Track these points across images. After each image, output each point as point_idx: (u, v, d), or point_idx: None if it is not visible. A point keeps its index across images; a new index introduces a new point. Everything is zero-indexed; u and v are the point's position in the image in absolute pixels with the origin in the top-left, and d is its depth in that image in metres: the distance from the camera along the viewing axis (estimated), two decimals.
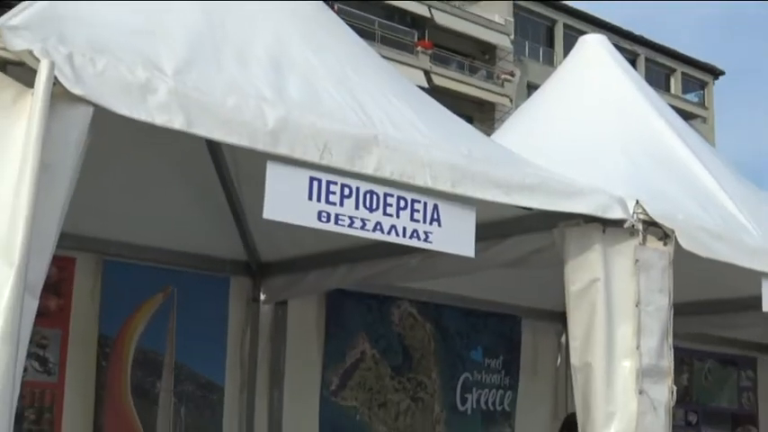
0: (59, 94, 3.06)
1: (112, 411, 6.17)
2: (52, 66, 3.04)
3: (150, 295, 6.40)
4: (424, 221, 4.06)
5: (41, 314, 5.74)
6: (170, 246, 6.41)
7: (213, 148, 5.99)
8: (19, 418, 5.74)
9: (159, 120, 3.36)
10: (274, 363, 6.99)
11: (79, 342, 6.11)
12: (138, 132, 3.57)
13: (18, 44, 3.08)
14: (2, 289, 2.83)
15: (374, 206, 3.90)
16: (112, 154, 4.85)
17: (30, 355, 5.89)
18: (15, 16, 3.61)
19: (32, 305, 2.97)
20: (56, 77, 3.05)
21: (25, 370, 5.83)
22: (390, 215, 3.95)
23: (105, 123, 3.27)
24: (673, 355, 4.92)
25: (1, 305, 2.83)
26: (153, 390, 6.37)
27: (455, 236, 4.18)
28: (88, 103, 3.15)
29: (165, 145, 5.09)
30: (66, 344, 6.05)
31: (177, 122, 3.39)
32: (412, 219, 4.02)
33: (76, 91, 3.11)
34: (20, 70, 3.08)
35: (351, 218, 3.84)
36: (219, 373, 6.69)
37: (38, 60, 3.02)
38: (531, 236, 5.01)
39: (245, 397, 6.82)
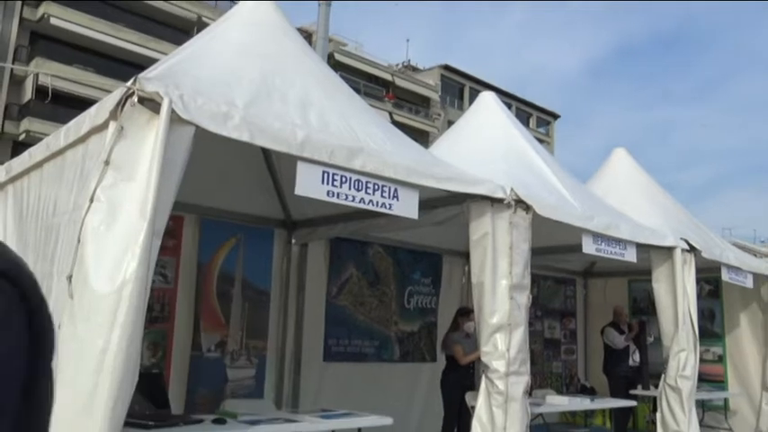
0: (175, 119, 3.03)
1: (205, 306, 6.13)
2: (170, 101, 2.98)
3: (227, 239, 6.33)
4: (389, 197, 4.04)
5: (164, 248, 5.70)
6: (240, 210, 6.36)
7: (266, 153, 5.93)
8: (150, 307, 5.69)
9: (234, 135, 3.32)
10: (300, 279, 6.96)
11: (186, 266, 6.05)
12: (223, 144, 3.49)
13: (150, 87, 3.02)
14: (139, 233, 2.79)
15: (360, 188, 3.88)
16: (208, 157, 4.78)
17: (157, 273, 5.82)
18: (150, 72, 3.54)
19: (156, 244, 2.92)
20: (173, 108, 2.98)
21: (154, 281, 5.81)
22: (369, 194, 3.93)
23: (204, 138, 3.21)
24: (530, 277, 4.94)
25: (138, 243, 2.78)
26: (229, 294, 6.31)
27: (406, 206, 4.16)
28: (192, 124, 3.10)
29: (238, 151, 5.02)
30: (178, 266, 6.00)
31: (245, 137, 3.36)
32: (382, 196, 4.01)
33: (185, 117, 3.06)
34: (152, 104, 3.01)
35: (346, 194, 3.83)
36: (268, 285, 6.64)
37: (162, 98, 2.98)
38: (450, 207, 5.00)
39: (282, 299, 6.79)
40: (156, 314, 5.80)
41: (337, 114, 4.23)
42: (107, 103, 3.15)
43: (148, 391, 4.06)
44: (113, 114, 3.04)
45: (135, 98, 3.00)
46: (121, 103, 3.02)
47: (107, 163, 2.94)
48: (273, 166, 6.21)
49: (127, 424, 3.06)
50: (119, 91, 3.08)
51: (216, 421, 3.74)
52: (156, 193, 2.85)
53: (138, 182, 2.89)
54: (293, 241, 6.87)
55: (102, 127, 3.17)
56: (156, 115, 2.99)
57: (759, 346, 8.32)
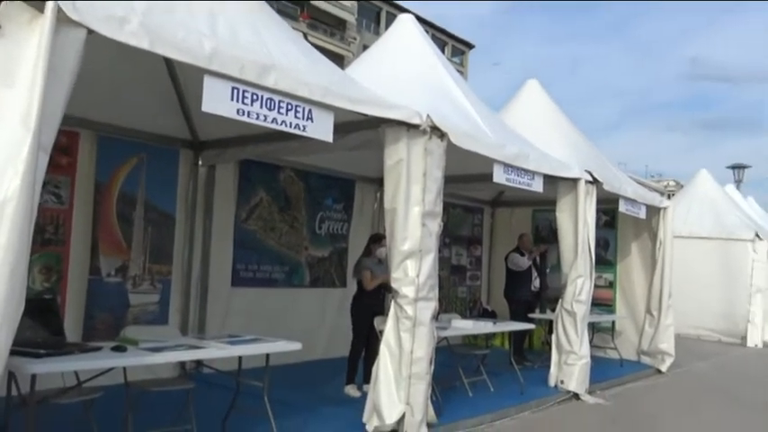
0: (62, 19, 2.70)
1: (104, 229, 5.79)
2: None
3: (128, 159, 5.95)
4: (303, 118, 3.87)
5: (57, 166, 5.36)
6: (142, 128, 5.98)
7: (170, 66, 5.52)
8: (41, 229, 5.32)
9: (132, 42, 3.02)
10: (207, 203, 6.72)
11: (82, 185, 5.66)
12: (122, 53, 3.16)
13: None
14: (21, 146, 2.50)
15: (272, 107, 3.68)
16: (106, 68, 4.38)
17: (49, 192, 5.44)
18: None
19: (44, 159, 2.63)
20: (59, 6, 2.64)
21: (46, 201, 5.40)
22: (282, 113, 3.75)
23: (100, 45, 2.87)
24: (442, 204, 4.95)
25: (21, 157, 2.50)
26: (130, 217, 5.99)
27: (321, 128, 4.00)
28: (82, 26, 2.77)
29: (141, 63, 4.62)
30: (73, 186, 5.60)
31: (144, 44, 3.06)
32: (295, 116, 3.83)
33: (74, 17, 2.73)
34: (35, 2, 2.66)
35: (257, 114, 3.63)
36: (173, 208, 6.35)
37: None
38: (365, 131, 4.86)
39: (188, 223, 6.54)
40: (50, 236, 5.43)
41: (249, 27, 3.93)
42: None
43: (41, 317, 3.80)
44: None
45: None
46: None
47: None
48: (178, 82, 5.81)
49: (16, 353, 2.85)
50: None
51: (115, 348, 3.56)
52: (42, 103, 2.54)
53: (19, 88, 2.56)
54: (200, 163, 6.55)
55: None
56: (39, 14, 2.64)
57: (646, 273, 8.92)
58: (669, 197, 14.99)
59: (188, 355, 4.02)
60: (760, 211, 16.51)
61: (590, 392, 6.94)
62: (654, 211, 8.61)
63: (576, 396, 6.81)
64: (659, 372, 8.71)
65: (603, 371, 7.79)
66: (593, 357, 7.15)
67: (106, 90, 5.07)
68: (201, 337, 4.73)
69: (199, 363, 5.67)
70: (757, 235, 12.88)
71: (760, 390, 8.35)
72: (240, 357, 4.25)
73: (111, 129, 5.73)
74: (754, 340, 12.61)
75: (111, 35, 2.88)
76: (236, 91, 3.48)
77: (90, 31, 2.79)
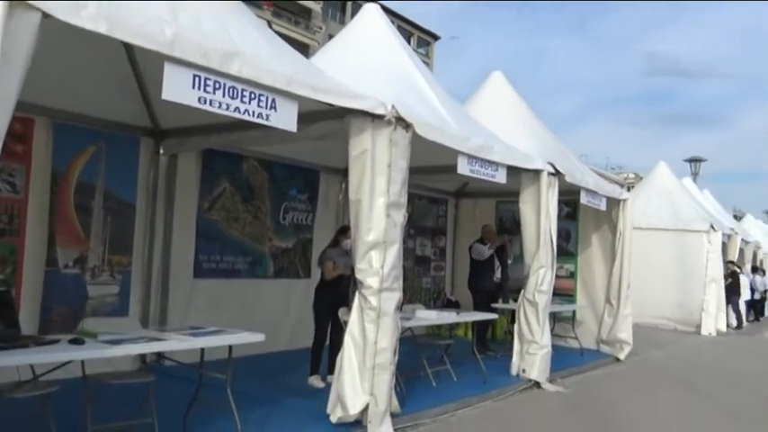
0: (16, 3, 2.60)
1: (61, 219, 5.64)
2: None
3: (85, 147, 5.79)
4: (266, 107, 3.83)
5: (11, 154, 5.20)
6: (101, 116, 5.83)
7: (129, 51, 5.39)
8: None
9: (89, 26, 2.94)
10: (168, 192, 6.60)
11: (38, 174, 5.51)
12: (79, 38, 3.06)
13: None
14: None
15: (235, 95, 3.63)
16: (63, 53, 4.27)
17: (3, 181, 5.28)
18: None
19: None
20: None
21: (0, 191, 5.23)
22: (245, 102, 3.70)
23: (57, 29, 2.78)
24: (406, 195, 4.95)
25: None
26: (89, 206, 5.85)
27: (285, 118, 3.96)
28: (37, 9, 2.67)
29: (100, 48, 4.51)
30: (29, 174, 5.45)
31: (102, 29, 2.98)
32: (258, 105, 3.79)
33: (28, 0, 2.61)
34: None
35: (219, 102, 3.58)
36: (133, 197, 6.22)
37: None
38: (330, 121, 4.83)
39: (149, 213, 6.42)
40: (4, 227, 5.28)
41: (211, 17, 3.86)
42: None
43: None
44: None
45: None
46: None
47: None
48: (138, 68, 5.68)
49: None
50: None
51: (73, 341, 3.47)
52: None
53: None
54: (161, 152, 6.43)
55: None
56: None
57: (606, 263, 9.10)
58: (629, 189, 15.34)
59: (149, 348, 3.95)
60: (715, 203, 17.00)
61: (551, 381, 7.06)
62: (614, 203, 8.77)
63: (538, 384, 6.92)
64: (617, 360, 8.92)
65: (564, 359, 7.93)
66: (554, 346, 7.27)
67: (63, 76, 4.94)
68: (163, 329, 4.66)
69: (160, 355, 5.56)
70: (712, 226, 13.25)
71: (713, 376, 8.62)
72: (202, 349, 4.19)
73: (68, 116, 5.58)
74: (707, 329, 13.01)
75: (67, 20, 2.79)
76: (197, 79, 3.42)
77: (45, 15, 2.70)
